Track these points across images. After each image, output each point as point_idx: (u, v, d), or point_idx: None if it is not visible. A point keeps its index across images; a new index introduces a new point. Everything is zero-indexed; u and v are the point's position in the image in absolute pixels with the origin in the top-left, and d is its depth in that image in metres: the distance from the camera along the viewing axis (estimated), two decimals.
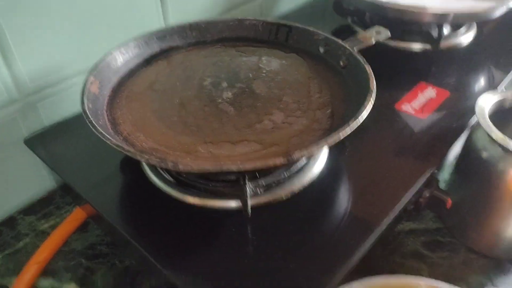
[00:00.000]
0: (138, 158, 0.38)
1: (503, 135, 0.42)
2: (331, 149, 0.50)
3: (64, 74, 0.59)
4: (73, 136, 0.57)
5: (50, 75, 0.58)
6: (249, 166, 0.37)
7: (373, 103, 0.43)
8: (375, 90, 0.45)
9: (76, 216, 0.55)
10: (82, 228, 0.54)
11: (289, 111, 0.48)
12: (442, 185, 0.53)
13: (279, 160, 0.37)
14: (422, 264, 0.47)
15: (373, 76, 0.47)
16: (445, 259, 0.47)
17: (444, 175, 0.54)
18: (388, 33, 0.58)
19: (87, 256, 0.50)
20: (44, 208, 0.61)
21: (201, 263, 0.40)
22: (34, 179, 0.61)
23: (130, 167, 0.50)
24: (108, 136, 0.40)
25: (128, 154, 0.39)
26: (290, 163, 0.41)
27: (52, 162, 0.53)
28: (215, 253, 0.41)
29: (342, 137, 0.39)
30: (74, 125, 0.59)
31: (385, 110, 0.58)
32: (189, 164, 0.38)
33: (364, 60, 0.50)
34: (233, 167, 0.37)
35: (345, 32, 0.79)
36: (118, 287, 0.46)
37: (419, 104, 0.58)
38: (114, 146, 0.39)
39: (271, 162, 0.37)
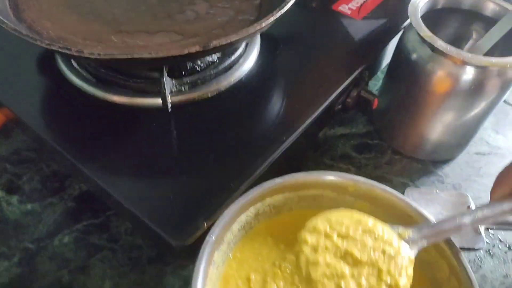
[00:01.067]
0: (38, 43, 0.35)
1: (431, 33, 0.42)
2: (262, 47, 0.48)
3: None
4: None
5: None
6: (162, 54, 0.34)
7: None
8: None
9: None
10: (6, 133, 0.49)
11: (214, 0, 0.45)
12: (375, 89, 0.53)
13: (195, 48, 0.35)
14: (350, 165, 0.48)
15: None
16: (370, 160, 0.49)
17: (378, 82, 0.54)
18: None
19: (12, 162, 0.47)
20: None
21: (125, 161, 0.38)
22: None
23: (48, 65, 0.45)
24: (4, 20, 0.36)
25: (27, 39, 0.35)
26: (207, 53, 0.38)
27: None
28: (140, 150, 0.39)
29: (264, 27, 0.37)
30: None
31: (321, 10, 0.56)
32: (95, 51, 0.34)
33: None
34: (145, 55, 0.35)
35: None
36: (46, 191, 0.44)
37: (356, 3, 0.56)
38: (10, 30, 0.35)
39: (186, 50, 0.35)
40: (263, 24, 0.37)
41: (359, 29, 0.53)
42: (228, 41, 0.36)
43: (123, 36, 0.40)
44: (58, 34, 0.40)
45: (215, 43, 0.35)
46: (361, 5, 0.57)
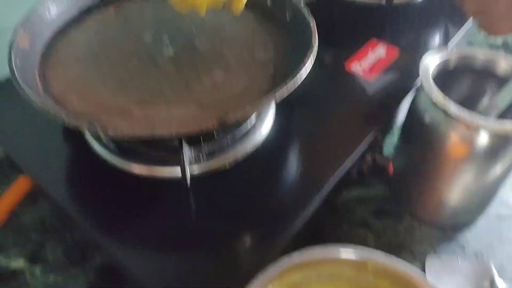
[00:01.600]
0: (65, 119, 0.36)
1: (444, 97, 0.41)
2: (277, 111, 0.49)
3: None
4: (12, 99, 0.53)
5: None
6: (181, 130, 0.36)
7: (313, 61, 0.42)
8: (317, 46, 0.43)
9: (20, 185, 0.48)
10: (33, 200, 0.49)
11: (230, 69, 0.46)
12: (390, 152, 0.53)
13: (212, 124, 0.36)
14: (368, 232, 0.48)
15: (316, 31, 0.45)
16: (389, 226, 0.48)
17: (393, 142, 0.54)
18: None
19: (37, 230, 0.47)
20: None
21: (143, 234, 0.39)
22: None
23: (74, 136, 0.46)
24: (32, 93, 0.38)
25: (54, 114, 0.37)
26: (223, 127, 0.39)
27: None
28: (159, 223, 0.40)
29: (278, 98, 0.38)
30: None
31: (334, 70, 0.57)
32: (119, 128, 0.36)
33: (309, 13, 0.48)
34: (166, 132, 0.36)
35: None
36: (68, 262, 0.45)
37: (369, 64, 0.57)
38: (39, 104, 0.37)
39: (203, 126, 0.36)
40: (277, 96, 0.38)
41: (372, 90, 0.54)
42: (244, 114, 0.37)
43: (144, 108, 0.42)
44: (83, 108, 0.42)
45: (231, 117, 0.36)
46: (373, 64, 0.58)
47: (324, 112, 0.51)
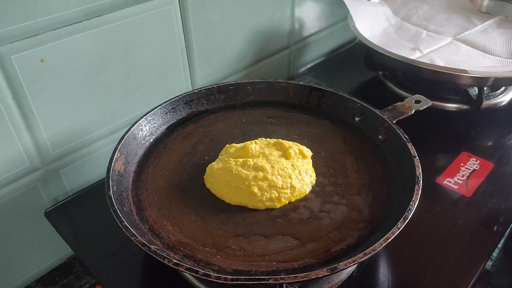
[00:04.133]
0: (166, 263, 0.35)
1: None
2: None
3: (88, 139, 0.57)
4: (97, 205, 0.54)
5: (74, 141, 0.56)
6: (289, 280, 0.33)
7: (419, 195, 0.40)
8: (421, 179, 0.41)
9: None
10: None
11: (325, 195, 0.45)
12: (488, 264, 0.48)
13: (322, 273, 0.34)
14: None
15: (418, 160, 0.44)
16: None
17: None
18: (429, 102, 0.54)
19: None
20: (63, 278, 0.58)
21: None
22: (55, 245, 0.58)
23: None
24: (133, 232, 0.38)
25: (154, 255, 0.36)
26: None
27: (73, 242, 0.50)
28: None
29: (387, 242, 0.36)
30: (98, 192, 0.56)
31: (426, 186, 0.54)
32: (223, 275, 0.34)
33: (406, 137, 0.47)
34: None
35: (376, 86, 0.76)
36: None
37: (462, 178, 0.54)
38: (139, 245, 0.37)
39: (313, 275, 0.34)
40: (390, 238, 0.36)
41: (470, 208, 0.50)
42: (356, 261, 0.35)
43: (240, 241, 0.40)
44: (178, 238, 0.41)
45: (342, 266, 0.34)
46: (468, 178, 0.55)
47: (419, 235, 0.47)
